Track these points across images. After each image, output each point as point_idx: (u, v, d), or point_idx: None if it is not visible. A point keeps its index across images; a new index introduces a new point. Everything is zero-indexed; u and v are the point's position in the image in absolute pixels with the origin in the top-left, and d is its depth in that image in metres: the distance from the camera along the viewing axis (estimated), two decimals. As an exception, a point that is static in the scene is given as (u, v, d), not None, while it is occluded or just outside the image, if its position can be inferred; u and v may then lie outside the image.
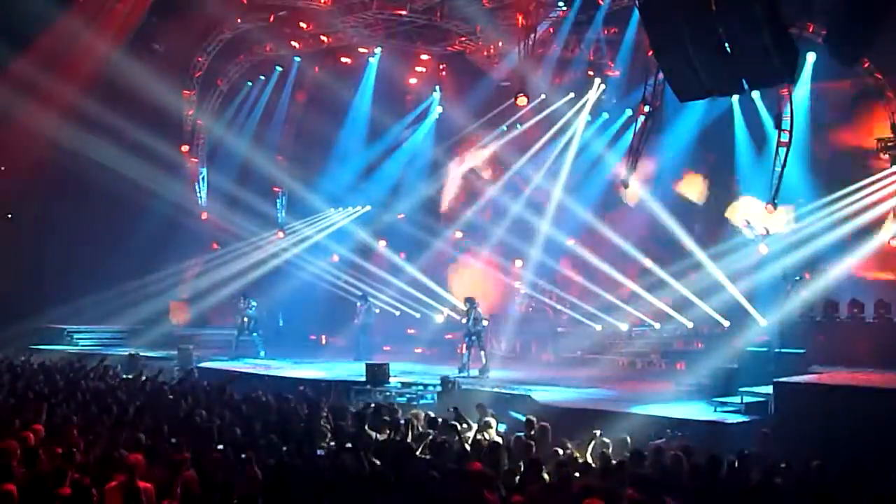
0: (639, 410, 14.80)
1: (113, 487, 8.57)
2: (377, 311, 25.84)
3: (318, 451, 10.55)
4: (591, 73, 25.18)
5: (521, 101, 21.33)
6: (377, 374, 18.26)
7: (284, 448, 10.48)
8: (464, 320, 20.91)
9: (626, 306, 24.49)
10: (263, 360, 23.74)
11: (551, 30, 23.27)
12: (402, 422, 12.33)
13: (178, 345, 23.45)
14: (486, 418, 12.79)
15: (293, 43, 26.43)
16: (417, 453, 10.41)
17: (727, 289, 21.77)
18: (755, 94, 21.23)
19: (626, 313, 24.44)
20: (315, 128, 28.51)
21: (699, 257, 22.83)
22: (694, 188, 25.20)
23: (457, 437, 11.39)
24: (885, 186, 21.25)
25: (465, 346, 20.50)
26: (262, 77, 28.84)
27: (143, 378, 17.20)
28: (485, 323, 21.11)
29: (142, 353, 22.49)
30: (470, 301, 20.89)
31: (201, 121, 28.33)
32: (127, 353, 22.40)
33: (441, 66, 28.15)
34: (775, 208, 21.00)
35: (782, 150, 19.90)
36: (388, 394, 17.37)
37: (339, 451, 10.27)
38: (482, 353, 20.34)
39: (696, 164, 24.96)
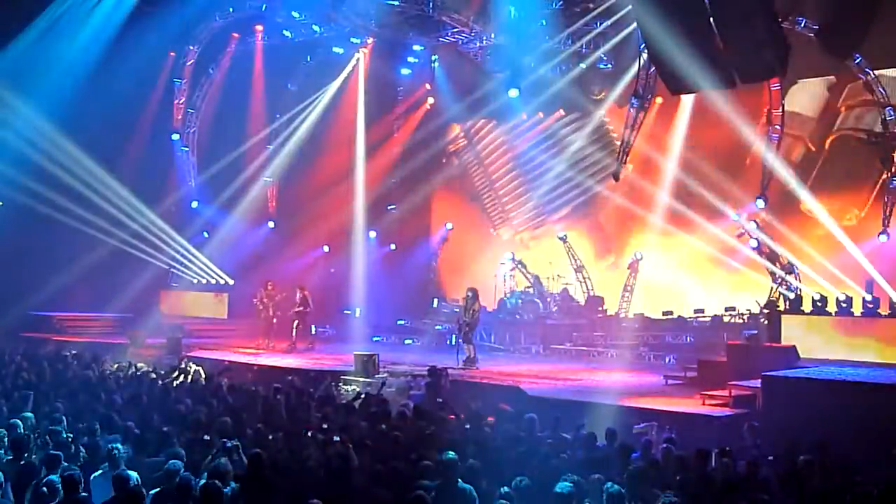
0: (628, 403, 14.83)
1: (99, 476, 8.57)
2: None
3: (306, 442, 10.53)
4: (582, 65, 25.11)
5: (513, 93, 21.35)
6: (366, 364, 18.25)
7: (271, 438, 10.49)
8: (467, 311, 20.10)
9: (614, 298, 24.58)
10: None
11: (544, 21, 23.21)
12: (391, 413, 12.34)
13: (167, 334, 23.29)
14: (473, 410, 12.83)
15: (285, 32, 26.31)
16: (404, 443, 10.42)
17: (716, 282, 21.84)
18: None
19: (615, 305, 24.56)
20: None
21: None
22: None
23: (444, 428, 11.41)
24: (875, 183, 21.34)
25: (464, 337, 20.02)
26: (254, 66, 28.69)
27: (132, 367, 17.18)
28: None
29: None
30: (473, 291, 20.67)
31: (192, 109, 28.29)
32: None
33: (433, 58, 28.06)
34: (765, 202, 21.04)
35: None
36: (376, 384, 17.35)
37: (326, 442, 10.26)
38: (471, 345, 20.17)
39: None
